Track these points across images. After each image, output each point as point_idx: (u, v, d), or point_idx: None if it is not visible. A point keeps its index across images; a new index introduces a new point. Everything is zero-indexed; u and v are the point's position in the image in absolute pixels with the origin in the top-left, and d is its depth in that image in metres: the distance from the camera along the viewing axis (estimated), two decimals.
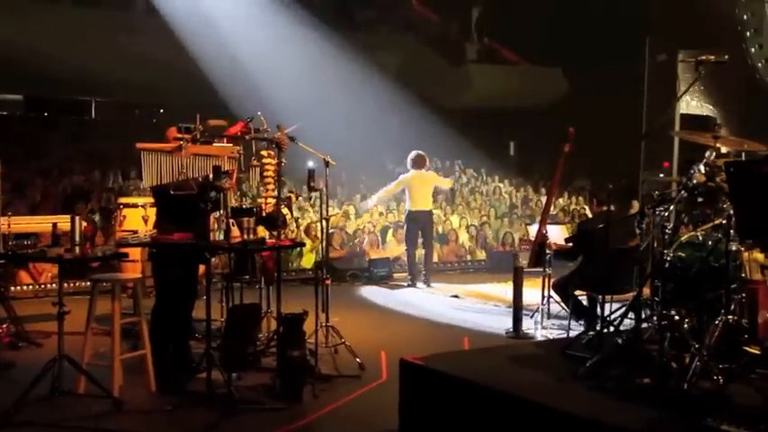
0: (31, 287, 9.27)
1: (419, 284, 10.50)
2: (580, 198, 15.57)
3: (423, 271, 10.65)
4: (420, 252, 10.92)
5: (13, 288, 8.71)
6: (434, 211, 14.37)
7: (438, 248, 12.76)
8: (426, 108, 16.97)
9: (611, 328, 4.86)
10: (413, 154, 10.59)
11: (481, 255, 13.03)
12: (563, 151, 7.43)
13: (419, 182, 10.49)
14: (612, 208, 6.20)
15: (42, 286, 9.29)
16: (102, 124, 18.64)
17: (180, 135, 5.50)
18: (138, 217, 7.19)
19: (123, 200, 8.02)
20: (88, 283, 6.42)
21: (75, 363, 5.20)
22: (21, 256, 6.03)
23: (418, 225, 10.56)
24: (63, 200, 12.67)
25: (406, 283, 10.66)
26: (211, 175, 5.35)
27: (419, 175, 10.49)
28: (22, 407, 4.89)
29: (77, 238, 5.21)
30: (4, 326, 6.68)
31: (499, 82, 19.52)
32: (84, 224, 5.52)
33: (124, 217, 7.37)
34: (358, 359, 6.19)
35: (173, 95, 14.82)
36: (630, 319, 4.82)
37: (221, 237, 5.54)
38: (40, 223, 8.39)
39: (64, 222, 6.62)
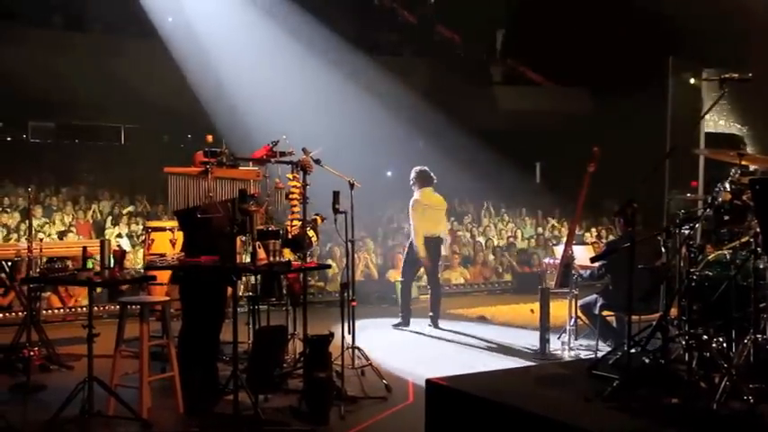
0: (61, 311, 9.40)
1: (427, 326, 9.00)
2: (604, 219, 15.51)
3: (430, 312, 9.12)
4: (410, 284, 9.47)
5: (44, 312, 8.83)
6: (459, 233, 14.44)
7: (463, 270, 12.76)
8: (451, 130, 16.99)
9: (639, 348, 4.82)
10: (418, 169, 9.14)
11: (507, 276, 13.01)
12: (588, 171, 7.42)
13: (429, 201, 9.04)
14: (640, 227, 6.17)
15: (72, 309, 9.41)
16: (132, 150, 18.92)
17: (206, 159, 5.57)
18: (165, 240, 7.29)
19: (151, 223, 8.13)
20: (117, 306, 6.50)
21: (104, 385, 5.26)
22: (52, 280, 6.12)
23: (430, 254, 8.95)
24: (93, 224, 12.87)
25: (396, 322, 9.14)
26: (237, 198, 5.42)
27: (430, 194, 9.06)
28: (53, 428, 4.96)
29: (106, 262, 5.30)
30: (36, 349, 6.77)
31: (524, 103, 19.52)
32: (114, 247, 5.58)
33: (152, 240, 7.46)
34: (384, 381, 6.19)
35: (199, 121, 15.02)
36: (658, 338, 4.78)
37: (248, 259, 5.59)
38: (70, 247, 8.52)
39: (93, 246, 6.74)
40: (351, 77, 15.44)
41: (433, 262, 9.08)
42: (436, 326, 9.01)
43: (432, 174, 9.14)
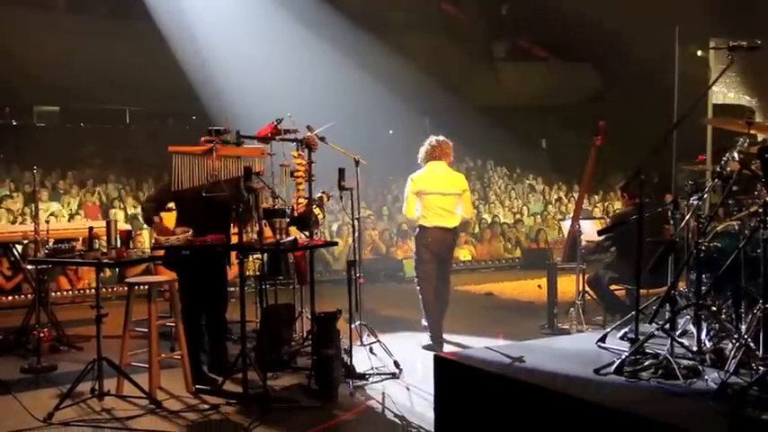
0: (69, 292, 9.43)
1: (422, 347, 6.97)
2: (611, 194, 15.48)
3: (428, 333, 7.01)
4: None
5: (53, 293, 8.86)
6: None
7: (471, 248, 12.74)
8: (457, 106, 16.91)
9: (648, 321, 4.80)
10: (429, 141, 7.05)
11: (516, 252, 13.01)
12: (594, 144, 7.37)
13: (436, 181, 6.89)
14: (646, 200, 6.11)
15: (81, 291, 9.45)
16: (137, 132, 18.92)
17: (210, 137, 5.54)
18: (172, 220, 7.27)
19: None
20: (125, 287, 6.53)
21: (113, 364, 5.29)
22: (62, 261, 6.13)
23: (436, 253, 6.87)
24: (100, 207, 12.89)
25: (424, 344, 6.98)
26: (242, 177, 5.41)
27: (437, 171, 6.95)
28: (64, 407, 4.99)
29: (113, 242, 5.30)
30: (46, 330, 6.81)
31: (529, 78, 19.43)
32: (120, 228, 5.57)
33: (160, 220, 7.44)
34: (393, 357, 6.19)
35: (206, 103, 14.99)
36: (666, 310, 4.76)
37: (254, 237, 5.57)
38: (77, 229, 8.53)
39: (100, 228, 6.75)
40: (355, 55, 15.35)
41: (445, 263, 7.02)
42: (438, 346, 6.83)
43: (444, 143, 7.00)
